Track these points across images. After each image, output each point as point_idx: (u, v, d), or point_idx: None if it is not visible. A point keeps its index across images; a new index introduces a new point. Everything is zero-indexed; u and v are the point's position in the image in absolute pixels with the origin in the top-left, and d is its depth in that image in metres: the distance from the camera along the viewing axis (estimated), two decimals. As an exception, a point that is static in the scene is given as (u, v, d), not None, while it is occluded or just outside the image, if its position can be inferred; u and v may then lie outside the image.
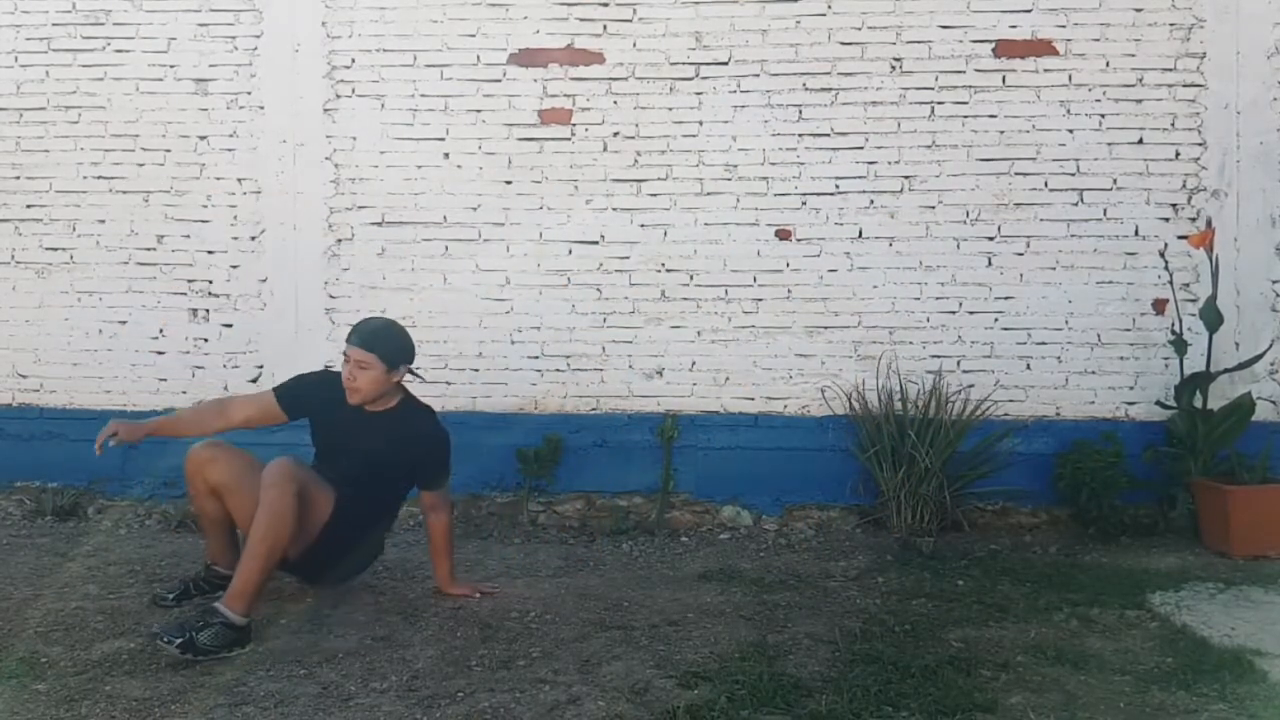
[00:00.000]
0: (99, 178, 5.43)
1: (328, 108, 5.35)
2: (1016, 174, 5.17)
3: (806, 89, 5.21)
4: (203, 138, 5.40)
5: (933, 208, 5.19)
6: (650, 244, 5.27)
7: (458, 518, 5.15)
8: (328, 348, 5.31)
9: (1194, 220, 5.09)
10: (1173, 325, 4.95)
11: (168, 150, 5.41)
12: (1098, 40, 5.13)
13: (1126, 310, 5.14)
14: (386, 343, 3.75)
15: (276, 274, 5.36)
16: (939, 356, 5.17)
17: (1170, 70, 5.12)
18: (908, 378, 5.13)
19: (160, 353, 5.41)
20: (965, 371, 5.16)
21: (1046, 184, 5.16)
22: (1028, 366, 5.18)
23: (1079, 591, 4.01)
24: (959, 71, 5.17)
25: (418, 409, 3.92)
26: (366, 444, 3.76)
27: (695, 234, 5.25)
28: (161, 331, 5.42)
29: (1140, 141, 5.13)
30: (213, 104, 5.39)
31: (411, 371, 3.87)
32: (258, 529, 3.42)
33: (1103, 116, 5.14)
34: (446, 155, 5.32)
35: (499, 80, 5.30)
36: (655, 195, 5.26)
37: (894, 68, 5.19)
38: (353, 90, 5.35)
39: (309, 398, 3.87)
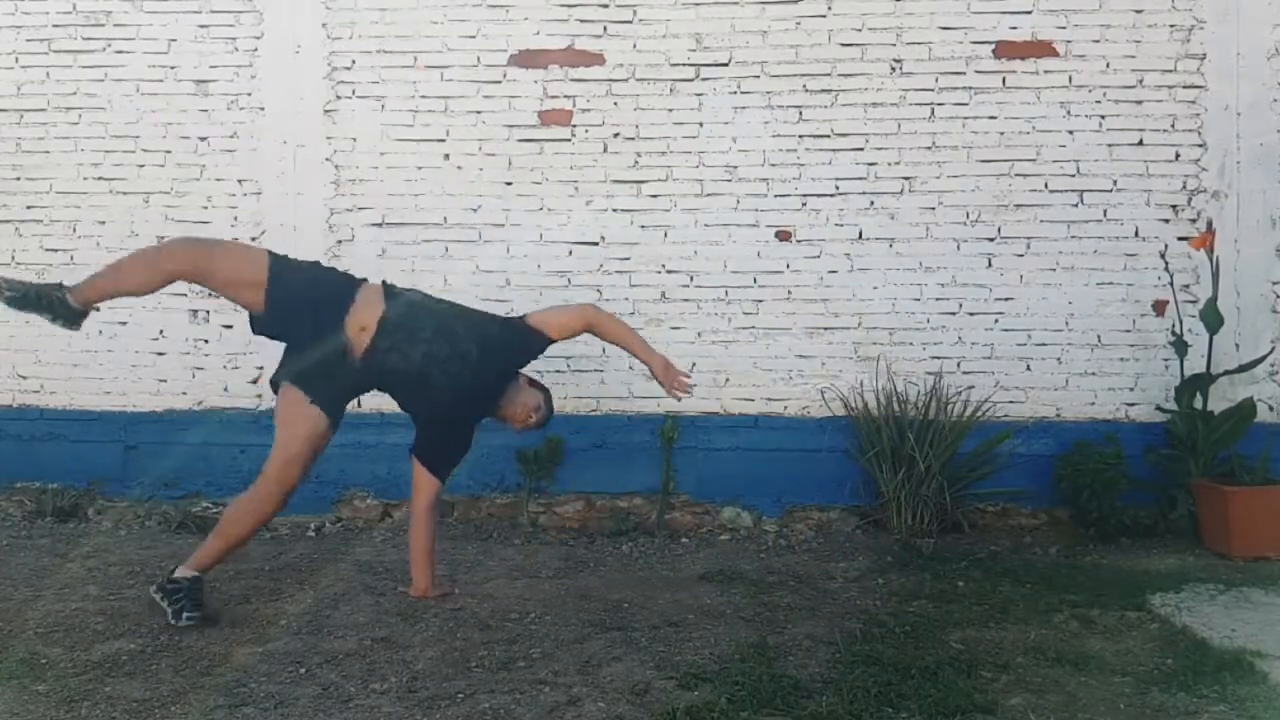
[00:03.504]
0: (99, 179, 5.44)
1: (328, 109, 5.35)
2: (1016, 175, 5.17)
3: (807, 90, 5.21)
4: (203, 139, 5.41)
5: (933, 209, 5.19)
6: (650, 245, 5.27)
7: (457, 519, 5.18)
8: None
9: (1194, 221, 5.09)
10: (1173, 326, 4.95)
11: (168, 151, 5.42)
12: (1098, 42, 5.14)
13: (1127, 311, 5.14)
14: None
15: (277, 275, 5.36)
16: (939, 358, 5.18)
17: (1170, 72, 5.12)
18: (908, 379, 5.13)
19: (160, 354, 5.42)
20: (965, 373, 5.16)
21: (1047, 185, 5.16)
22: (1028, 368, 5.18)
23: (1079, 593, 4.01)
24: (959, 73, 5.17)
25: None
26: None
27: (695, 235, 5.25)
28: (162, 333, 5.42)
29: (1140, 143, 5.14)
30: (213, 105, 5.40)
31: None
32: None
33: (1103, 118, 5.14)
34: (447, 156, 5.32)
35: (499, 81, 5.30)
36: (655, 196, 5.26)
37: (894, 69, 5.20)
38: (353, 91, 5.35)
39: None
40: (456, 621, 3.68)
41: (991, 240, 5.18)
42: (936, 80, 5.18)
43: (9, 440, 5.41)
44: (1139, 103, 5.13)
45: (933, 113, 5.19)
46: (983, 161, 5.17)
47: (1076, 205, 5.16)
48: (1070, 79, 5.15)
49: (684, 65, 5.25)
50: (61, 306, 3.57)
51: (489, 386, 3.90)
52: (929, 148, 5.19)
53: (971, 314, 5.19)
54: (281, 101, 5.36)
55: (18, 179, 5.47)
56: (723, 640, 3.49)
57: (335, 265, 5.28)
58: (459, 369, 3.77)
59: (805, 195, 5.23)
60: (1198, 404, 4.81)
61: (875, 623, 3.66)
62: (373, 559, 4.52)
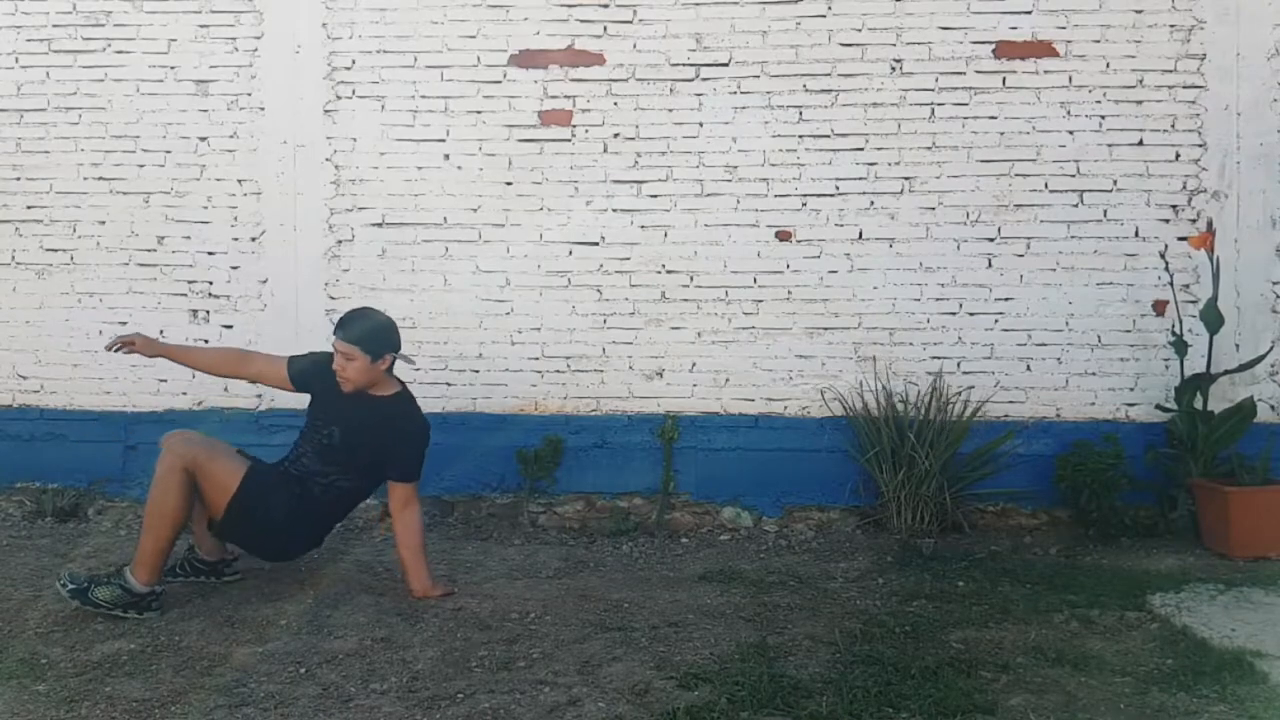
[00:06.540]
0: (99, 179, 5.43)
1: (328, 109, 5.35)
2: (1017, 175, 5.17)
3: (807, 90, 5.21)
4: (203, 139, 5.40)
5: (933, 209, 5.19)
6: (650, 245, 5.27)
7: (457, 519, 5.18)
8: (328, 349, 5.31)
9: (1194, 221, 5.09)
10: (1173, 326, 4.95)
11: (168, 151, 5.41)
12: (1098, 42, 5.13)
13: (1127, 312, 5.14)
14: (368, 333, 3.91)
15: (277, 275, 5.36)
16: (939, 358, 5.17)
17: (1170, 72, 5.12)
18: (908, 379, 5.13)
19: (161, 354, 5.42)
20: (965, 373, 5.16)
21: (1047, 185, 5.16)
22: (1028, 368, 5.18)
23: (1079, 593, 4.01)
24: (959, 73, 5.17)
25: (408, 400, 4.07)
26: (351, 419, 3.93)
27: (695, 235, 5.25)
28: (162, 333, 5.40)
29: (1140, 143, 5.13)
30: (213, 105, 5.39)
31: (403, 358, 4.03)
32: (148, 502, 3.72)
33: (1103, 118, 5.14)
34: (447, 156, 5.32)
35: (499, 81, 5.30)
36: (655, 196, 5.26)
37: (894, 69, 5.20)
38: (353, 91, 5.35)
39: (315, 375, 4.06)
40: (456, 621, 3.68)
41: (991, 240, 5.18)
42: (936, 80, 5.18)
43: (9, 440, 5.41)
44: (1139, 103, 5.13)
45: (933, 113, 5.19)
46: (983, 161, 5.17)
47: (1076, 205, 5.16)
48: (1070, 79, 5.15)
49: (684, 65, 5.25)
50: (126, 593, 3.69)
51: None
52: (929, 148, 5.19)
53: (971, 314, 5.19)
54: (281, 101, 5.36)
55: (18, 179, 5.46)
56: (723, 640, 3.49)
57: (335, 265, 5.35)
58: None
59: (805, 195, 5.22)
60: (1198, 404, 4.81)
61: (875, 623, 3.66)
62: (373, 559, 4.52)
